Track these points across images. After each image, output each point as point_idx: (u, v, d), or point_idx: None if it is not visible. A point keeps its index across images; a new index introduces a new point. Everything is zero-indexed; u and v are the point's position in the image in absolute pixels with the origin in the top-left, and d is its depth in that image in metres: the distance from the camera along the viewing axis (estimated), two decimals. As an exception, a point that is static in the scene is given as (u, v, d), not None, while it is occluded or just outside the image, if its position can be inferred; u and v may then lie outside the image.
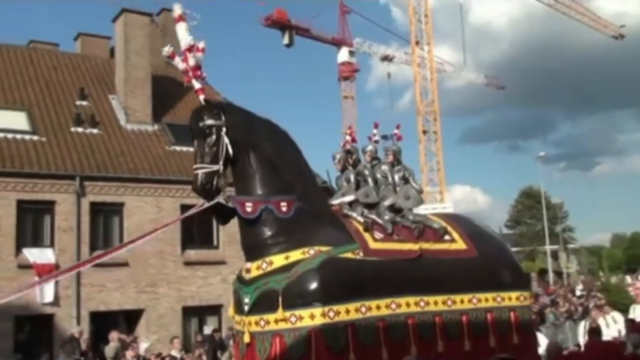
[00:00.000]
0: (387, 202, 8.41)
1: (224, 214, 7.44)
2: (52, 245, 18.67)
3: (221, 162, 7.15)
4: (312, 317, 7.01)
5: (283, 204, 7.35)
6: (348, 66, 57.10)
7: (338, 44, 56.68)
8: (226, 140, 7.17)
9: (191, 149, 24.40)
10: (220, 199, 7.21)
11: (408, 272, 7.80)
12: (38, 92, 21.78)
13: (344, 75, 57.45)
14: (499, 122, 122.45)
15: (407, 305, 7.71)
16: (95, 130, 20.93)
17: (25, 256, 18.11)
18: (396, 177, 8.82)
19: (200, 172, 7.12)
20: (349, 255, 7.51)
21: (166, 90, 23.55)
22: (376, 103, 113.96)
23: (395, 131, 9.73)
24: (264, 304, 7.13)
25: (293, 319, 7.01)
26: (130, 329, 19.07)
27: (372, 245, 7.79)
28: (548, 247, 46.70)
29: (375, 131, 9.78)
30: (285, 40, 53.27)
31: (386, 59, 57.39)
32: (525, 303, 8.81)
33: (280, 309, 6.98)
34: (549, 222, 49.35)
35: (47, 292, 18.12)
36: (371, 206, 8.32)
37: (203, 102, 7.45)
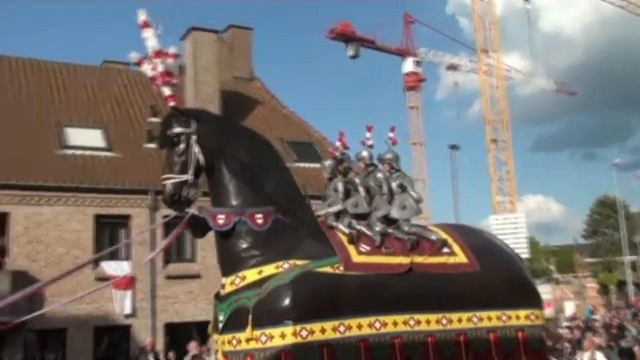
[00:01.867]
0: (379, 213, 7.81)
1: (199, 226, 6.99)
2: (127, 258, 19.26)
3: (190, 172, 6.77)
4: (282, 336, 6.49)
5: (258, 216, 6.91)
6: (413, 76, 56.75)
7: (403, 54, 56.44)
8: (196, 148, 6.80)
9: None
10: (192, 210, 6.82)
11: (396, 288, 7.16)
12: (112, 110, 22.55)
13: (409, 86, 57.11)
14: (573, 130, 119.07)
15: (394, 324, 7.08)
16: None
17: (102, 269, 18.73)
18: (393, 185, 8.20)
19: (168, 182, 6.74)
20: (327, 269, 6.93)
21: (234, 105, 24.00)
22: (445, 113, 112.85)
23: (390, 135, 9.03)
24: (236, 321, 6.68)
25: (263, 338, 6.51)
26: (203, 341, 19.40)
27: (356, 258, 7.19)
28: (627, 258, 45.01)
29: (368, 135, 9.07)
30: (350, 52, 53.39)
31: (452, 67, 56.81)
32: (536, 322, 7.99)
33: (249, 328, 6.52)
34: (628, 232, 47.57)
35: (126, 304, 18.73)
36: (362, 217, 7.76)
37: (171, 110, 7.07)
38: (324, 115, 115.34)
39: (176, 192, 6.71)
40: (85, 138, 20.65)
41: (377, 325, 6.97)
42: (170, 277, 19.84)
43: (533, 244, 51.72)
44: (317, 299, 6.68)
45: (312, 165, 23.29)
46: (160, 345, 17.87)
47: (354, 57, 53.76)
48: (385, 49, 55.85)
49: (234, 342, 6.67)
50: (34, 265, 17.99)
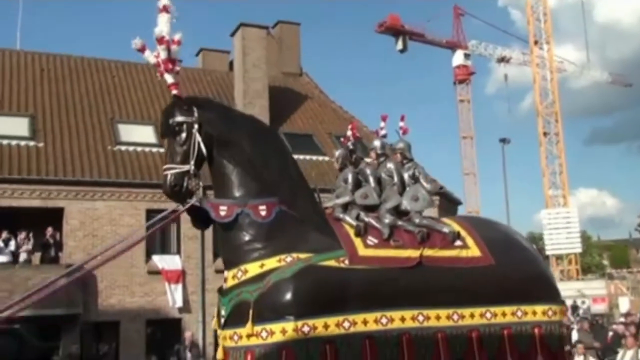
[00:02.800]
0: (389, 204, 7.48)
1: (202, 218, 6.80)
2: (178, 252, 19.60)
3: (192, 162, 6.57)
4: (283, 332, 6.26)
5: (262, 207, 6.66)
6: (463, 69, 56.05)
7: (453, 47, 55.79)
8: (198, 138, 6.59)
9: (308, 157, 24.82)
10: (192, 201, 6.63)
11: (404, 282, 6.88)
12: (163, 106, 22.87)
13: (459, 79, 56.44)
14: (629, 122, 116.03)
15: (401, 320, 6.80)
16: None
17: (154, 262, 19.12)
18: (406, 176, 7.89)
19: (169, 172, 6.54)
20: (332, 263, 6.68)
21: (283, 101, 24.13)
22: (496, 106, 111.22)
23: (401, 124, 8.69)
24: (237, 316, 6.48)
25: (264, 334, 6.29)
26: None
27: (362, 252, 6.93)
28: (685, 253, 43.62)
29: (382, 124, 8.91)
30: (399, 45, 53.05)
31: (503, 60, 55.88)
32: (554, 318, 7.61)
33: (249, 323, 6.31)
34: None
35: (177, 297, 19.10)
36: (371, 209, 7.47)
37: (174, 98, 6.82)
38: (372, 110, 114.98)
39: (177, 182, 6.52)
40: (138, 134, 21.08)
41: (384, 321, 6.71)
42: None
43: (586, 239, 50.64)
44: (320, 293, 6.46)
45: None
46: (210, 338, 18.10)
47: (402, 50, 53.41)
48: (434, 42, 55.30)
49: (235, 337, 6.48)
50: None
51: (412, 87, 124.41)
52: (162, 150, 20.51)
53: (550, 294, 7.72)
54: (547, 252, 36.86)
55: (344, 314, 6.54)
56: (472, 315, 7.17)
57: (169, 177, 6.53)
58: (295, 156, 25.45)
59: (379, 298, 6.73)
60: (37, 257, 18.02)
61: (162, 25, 6.75)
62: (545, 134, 44.15)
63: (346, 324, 6.53)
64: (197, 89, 24.41)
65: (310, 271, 6.50)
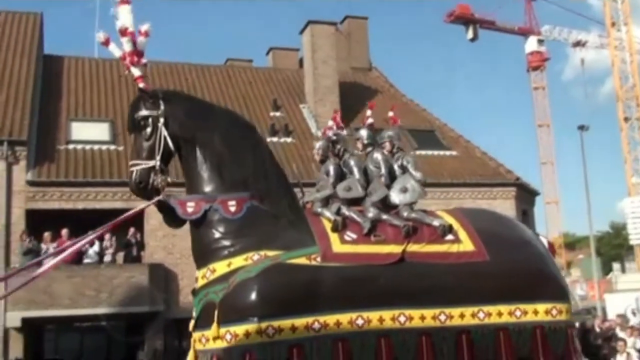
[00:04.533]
0: (374, 197, 7.01)
1: (173, 215, 6.46)
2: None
3: (158, 158, 6.29)
4: (246, 334, 5.91)
5: (231, 203, 6.33)
6: (537, 56, 54.53)
7: (525, 33, 54.40)
8: (164, 132, 6.31)
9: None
10: (158, 199, 6.35)
11: (384, 280, 6.39)
12: (236, 107, 23.28)
13: (533, 66, 54.95)
14: None
15: (379, 320, 6.29)
16: (289, 139, 21.96)
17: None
18: (395, 167, 7.44)
19: (134, 169, 6.29)
20: (302, 260, 6.26)
21: (354, 96, 24.12)
22: (574, 92, 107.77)
23: (390, 114, 8.38)
24: (205, 318, 6.17)
25: (228, 337, 5.94)
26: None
27: (337, 248, 6.47)
28: None
29: (369, 113, 8.45)
30: (470, 34, 52.07)
31: (578, 44, 54.12)
32: (558, 317, 6.92)
33: (215, 325, 5.99)
34: None
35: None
36: (356, 202, 7.03)
37: (139, 91, 6.58)
38: (444, 102, 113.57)
39: (142, 179, 6.26)
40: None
41: (360, 322, 6.24)
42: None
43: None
44: (287, 293, 6.07)
45: (434, 152, 23.07)
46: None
47: (473, 39, 52.41)
48: (506, 29, 54.05)
49: (203, 340, 6.18)
50: (169, 258, 18.99)
51: (484, 76, 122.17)
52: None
53: (554, 292, 7.04)
54: (632, 242, 35.53)
55: (314, 314, 6.12)
56: (462, 316, 6.59)
57: (134, 173, 6.30)
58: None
59: (355, 297, 6.27)
60: (120, 256, 18.66)
61: (124, 17, 6.47)
62: (626, 119, 42.47)
63: (316, 326, 6.10)
64: (268, 88, 24.75)
65: (276, 270, 6.13)
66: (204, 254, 6.45)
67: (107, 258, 17.98)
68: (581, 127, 29.29)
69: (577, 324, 24.11)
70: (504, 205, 22.14)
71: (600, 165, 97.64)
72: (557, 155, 61.69)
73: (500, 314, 6.72)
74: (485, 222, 7.30)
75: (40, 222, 17.17)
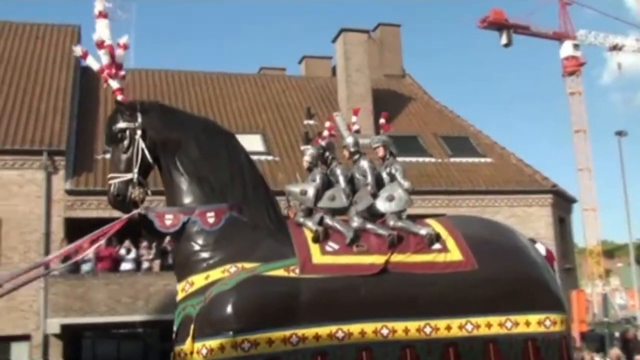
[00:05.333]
0: (360, 206, 6.85)
1: (152, 229, 6.39)
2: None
3: (135, 170, 6.26)
4: (222, 348, 5.80)
5: (210, 214, 6.26)
6: (572, 60, 53.83)
7: (560, 38, 53.75)
8: (142, 144, 6.28)
9: (414, 160, 24.47)
10: (137, 212, 6.29)
11: (365, 291, 6.22)
12: (270, 115, 23.46)
13: (568, 71, 54.24)
14: None
15: (361, 333, 6.09)
16: (322, 147, 21.97)
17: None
18: (384, 174, 7.29)
19: (112, 182, 6.27)
20: (280, 272, 6.14)
21: (387, 104, 24.06)
22: (612, 97, 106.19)
23: (382, 121, 8.26)
24: (183, 332, 6.11)
25: (204, 351, 5.84)
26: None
27: (317, 259, 6.33)
28: None
29: (354, 119, 8.29)
30: (504, 40, 51.66)
31: (615, 48, 53.28)
32: (552, 329, 6.63)
33: (189, 339, 5.91)
34: None
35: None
36: (342, 212, 6.88)
37: (116, 104, 6.58)
38: (478, 108, 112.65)
39: (120, 192, 6.23)
40: (246, 144, 21.52)
41: (340, 335, 6.06)
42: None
43: None
44: (264, 306, 5.95)
45: (469, 160, 22.88)
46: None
47: (507, 45, 51.98)
48: (540, 34, 53.49)
49: (182, 354, 6.07)
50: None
51: (518, 82, 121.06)
52: (269, 157, 21.02)
53: (547, 301, 6.75)
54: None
55: (292, 328, 5.98)
56: (448, 328, 6.35)
57: (112, 186, 6.27)
58: (401, 159, 25.38)
59: (335, 310, 6.10)
60: (157, 264, 18.83)
61: (101, 30, 6.51)
62: (665, 124, 41.68)
63: (294, 339, 5.96)
64: (301, 96, 24.84)
65: (252, 282, 6.03)
66: (183, 266, 6.41)
67: (144, 265, 18.17)
68: (619, 133, 28.78)
69: (617, 334, 23.75)
70: (540, 212, 21.85)
71: (639, 171, 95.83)
72: (595, 161, 60.69)
73: (489, 326, 6.46)
74: (477, 231, 7.06)
75: (79, 230, 17.39)
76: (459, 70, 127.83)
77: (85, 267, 17.22)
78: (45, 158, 18.24)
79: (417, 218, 7.37)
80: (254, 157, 21.93)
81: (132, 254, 17.58)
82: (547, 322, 6.64)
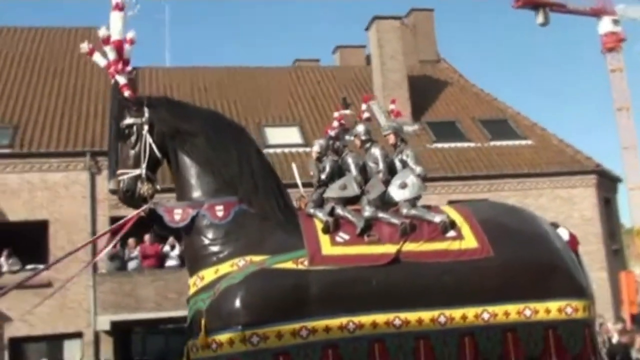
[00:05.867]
0: (371, 195, 6.68)
1: (163, 224, 6.36)
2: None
3: (144, 165, 6.22)
4: (230, 343, 5.78)
5: (219, 207, 6.20)
6: (612, 37, 52.57)
7: (598, 14, 52.58)
8: (149, 139, 6.25)
9: (453, 145, 24.28)
10: (146, 207, 6.28)
11: (377, 282, 6.09)
12: (306, 107, 23.51)
13: (608, 47, 53.00)
14: None
15: (372, 325, 5.98)
16: (360, 136, 21.94)
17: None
18: (396, 162, 7.08)
19: (121, 178, 6.26)
20: (288, 265, 6.05)
21: (423, 90, 23.95)
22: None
23: (392, 107, 8.04)
24: (195, 327, 6.09)
25: (214, 346, 5.83)
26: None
27: (326, 250, 6.22)
28: None
29: (364, 106, 8.11)
30: (540, 19, 50.68)
31: (657, 21, 51.91)
32: (574, 316, 6.38)
33: (202, 334, 5.88)
34: None
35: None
36: (353, 201, 6.75)
37: (122, 100, 6.53)
38: (516, 90, 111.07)
39: (129, 188, 6.22)
40: (284, 136, 21.76)
41: (351, 327, 5.94)
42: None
43: None
44: (273, 299, 5.89)
45: (509, 142, 22.61)
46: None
47: (543, 24, 51.03)
48: (578, 11, 52.37)
49: (194, 349, 6.10)
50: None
51: (556, 61, 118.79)
52: (308, 149, 21.06)
53: (568, 288, 6.48)
54: None
55: (302, 321, 5.90)
56: (464, 317, 6.17)
57: (121, 183, 6.26)
58: (439, 145, 25.32)
59: (345, 301, 6.00)
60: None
61: (114, 24, 6.50)
62: None
63: (304, 332, 5.88)
64: (336, 87, 24.82)
65: (260, 275, 5.97)
66: (194, 261, 6.39)
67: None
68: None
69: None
70: (585, 193, 21.50)
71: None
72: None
73: (507, 314, 6.27)
74: (494, 217, 6.85)
75: (124, 229, 17.78)
76: (495, 52, 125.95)
77: (132, 265, 17.56)
78: (88, 159, 18.62)
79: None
80: (292, 150, 22.24)
81: (177, 251, 17.83)
82: (569, 309, 6.42)
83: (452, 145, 21.96)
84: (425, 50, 27.31)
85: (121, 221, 6.63)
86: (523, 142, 22.74)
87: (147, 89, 23.50)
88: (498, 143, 22.34)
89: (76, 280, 18.10)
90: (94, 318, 17.60)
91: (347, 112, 7.74)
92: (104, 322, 17.23)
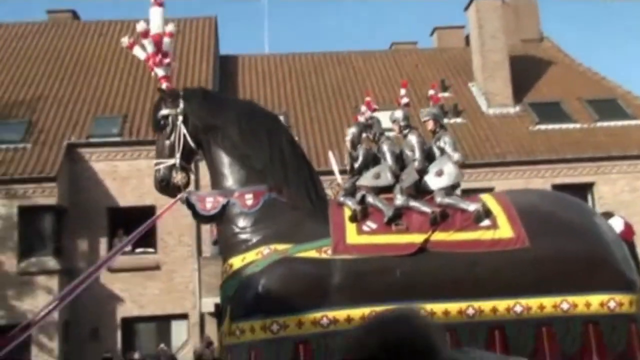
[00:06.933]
0: (405, 183, 6.46)
1: (196, 211, 6.50)
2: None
3: (178, 155, 6.38)
4: (252, 330, 5.81)
5: (248, 196, 6.26)
6: None
7: None
8: (183, 130, 6.39)
9: (557, 127, 23.40)
10: (182, 195, 6.43)
11: (401, 272, 5.91)
12: (402, 91, 23.28)
13: None
14: None
15: None
16: (459, 120, 21.56)
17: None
18: (435, 148, 6.87)
19: (157, 167, 6.46)
20: (311, 254, 6.00)
21: (526, 70, 23.19)
22: None
23: (431, 92, 7.66)
24: (224, 313, 6.20)
25: (237, 333, 5.87)
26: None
27: (351, 239, 6.11)
28: None
29: (403, 92, 7.79)
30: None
31: None
32: (617, 311, 5.97)
33: (227, 320, 5.97)
34: None
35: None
36: (389, 190, 6.53)
37: (160, 92, 6.71)
38: (628, 68, 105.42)
39: (164, 177, 6.41)
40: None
41: None
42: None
43: None
44: (294, 287, 5.87)
45: (618, 123, 21.58)
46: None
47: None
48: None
49: (224, 335, 6.17)
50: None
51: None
52: (406, 133, 20.89)
53: (613, 281, 6.06)
54: None
55: (323, 310, 5.84)
56: (494, 310, 5.93)
57: (157, 172, 6.47)
58: (543, 126, 24.45)
59: (369, 291, 5.87)
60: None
61: (154, 19, 6.67)
62: None
63: (324, 322, 5.82)
64: (435, 69, 24.45)
65: (282, 264, 5.96)
66: (225, 248, 6.51)
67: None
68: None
69: None
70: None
71: None
72: None
73: (542, 308, 5.95)
74: (536, 206, 6.49)
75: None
76: (605, 28, 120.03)
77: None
78: (193, 146, 19.24)
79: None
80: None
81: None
82: (612, 304, 6.02)
83: (557, 126, 21.17)
84: (528, 29, 26.38)
85: (162, 211, 6.96)
86: (633, 123, 21.61)
87: (247, 76, 24.02)
88: (606, 124, 21.34)
89: (183, 263, 18.88)
90: (199, 300, 18.23)
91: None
92: (208, 304, 17.82)
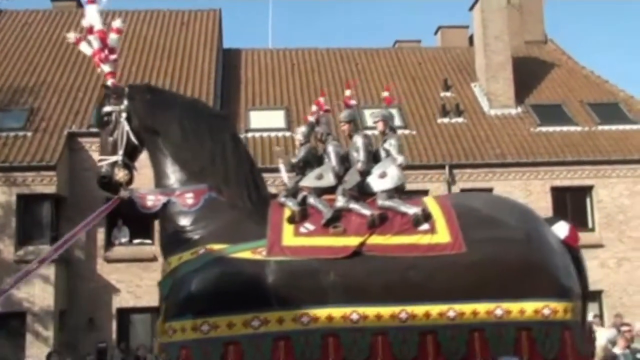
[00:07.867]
0: (347, 185, 6.49)
1: (137, 209, 6.57)
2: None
3: (120, 152, 6.37)
4: (183, 330, 5.85)
5: (189, 195, 6.31)
6: None
7: None
8: (126, 127, 6.39)
9: (558, 129, 23.43)
10: (124, 193, 6.46)
11: (336, 275, 5.92)
12: (406, 88, 23.28)
13: None
14: None
15: (328, 319, 5.83)
16: (460, 120, 21.56)
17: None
18: (381, 150, 6.85)
19: (100, 164, 6.46)
20: (246, 254, 6.00)
21: (528, 71, 23.20)
22: None
23: (385, 94, 7.76)
24: (160, 312, 6.28)
25: (170, 332, 5.93)
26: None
27: (287, 241, 6.11)
28: None
29: (348, 92, 7.92)
30: (658, -3, 47.87)
31: None
32: (552, 318, 6.01)
33: (160, 320, 6.07)
34: None
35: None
36: (332, 191, 6.57)
37: (104, 88, 6.71)
38: (630, 72, 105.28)
39: (106, 174, 6.40)
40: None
41: (305, 320, 5.82)
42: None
43: None
44: (224, 288, 5.87)
45: (619, 127, 21.57)
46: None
47: (663, 2, 48.11)
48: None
49: (158, 334, 6.28)
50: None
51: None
52: (407, 131, 20.87)
53: (549, 288, 6.10)
54: None
55: (254, 311, 5.85)
56: (427, 314, 5.93)
57: (100, 169, 6.48)
58: (544, 128, 24.43)
59: (301, 293, 5.90)
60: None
61: (89, 15, 6.69)
62: None
63: (255, 323, 5.83)
64: (437, 68, 24.45)
65: (216, 264, 5.98)
66: (165, 246, 6.55)
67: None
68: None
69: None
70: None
71: None
72: None
73: (475, 313, 5.98)
74: (477, 210, 6.47)
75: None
76: (610, 33, 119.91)
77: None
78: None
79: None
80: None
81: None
82: (546, 311, 6.06)
83: (558, 129, 21.14)
84: (532, 31, 26.36)
85: (102, 208, 6.99)
86: (634, 127, 21.59)
87: (250, 70, 23.99)
88: (607, 127, 21.32)
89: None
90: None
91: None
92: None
